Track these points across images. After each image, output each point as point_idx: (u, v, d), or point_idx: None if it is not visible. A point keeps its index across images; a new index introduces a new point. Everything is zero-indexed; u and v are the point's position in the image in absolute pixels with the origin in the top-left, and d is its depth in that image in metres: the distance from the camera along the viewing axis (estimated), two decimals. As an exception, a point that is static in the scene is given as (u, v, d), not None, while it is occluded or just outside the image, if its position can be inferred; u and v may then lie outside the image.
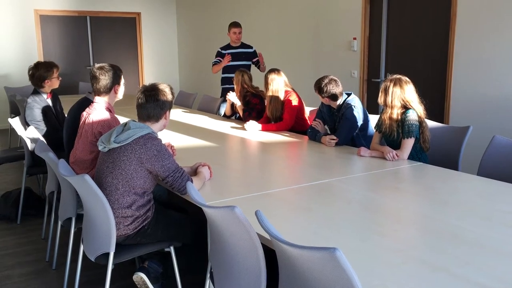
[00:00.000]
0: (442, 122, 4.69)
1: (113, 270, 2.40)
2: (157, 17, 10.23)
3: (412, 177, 2.83)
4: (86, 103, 3.15)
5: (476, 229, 1.94)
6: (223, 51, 5.88)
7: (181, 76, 10.60)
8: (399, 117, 3.16)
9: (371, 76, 5.90)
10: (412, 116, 3.12)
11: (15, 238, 3.87)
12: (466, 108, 4.78)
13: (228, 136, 4.11)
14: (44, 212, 3.88)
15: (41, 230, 3.92)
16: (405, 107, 3.16)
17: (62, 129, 3.48)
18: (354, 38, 6.00)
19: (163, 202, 2.95)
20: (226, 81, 5.89)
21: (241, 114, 4.84)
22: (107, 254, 2.35)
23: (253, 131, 4.22)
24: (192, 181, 2.40)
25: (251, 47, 5.99)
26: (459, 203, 2.29)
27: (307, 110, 4.53)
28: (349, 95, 3.71)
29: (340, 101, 3.68)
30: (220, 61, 5.83)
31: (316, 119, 3.85)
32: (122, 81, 3.10)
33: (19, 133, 3.93)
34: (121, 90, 3.10)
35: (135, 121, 2.45)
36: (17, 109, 6.70)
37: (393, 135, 3.19)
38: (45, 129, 4.03)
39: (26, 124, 4.02)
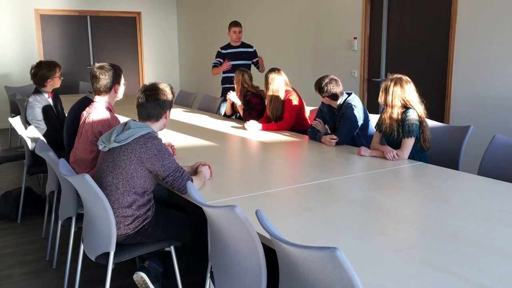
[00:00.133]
0: (442, 122, 4.69)
1: (113, 270, 2.40)
2: (158, 16, 10.23)
3: (412, 176, 2.82)
4: (86, 102, 3.15)
5: (476, 229, 1.94)
6: (223, 51, 5.87)
7: (181, 75, 10.60)
8: (400, 116, 3.16)
9: (371, 75, 5.90)
10: (412, 115, 3.12)
11: (16, 237, 3.87)
12: (466, 107, 4.77)
13: (228, 135, 4.11)
14: (44, 212, 3.88)
15: (41, 230, 3.92)
16: (406, 107, 3.16)
17: (62, 129, 3.48)
18: (355, 38, 5.99)
19: (164, 201, 2.95)
20: (226, 80, 5.89)
21: (241, 114, 4.84)
22: (108, 254, 2.35)
23: (254, 130, 4.22)
24: (192, 181, 2.40)
25: (252, 47, 5.99)
26: (459, 203, 2.29)
27: (308, 109, 4.53)
28: (349, 94, 3.71)
29: (340, 100, 3.68)
30: (220, 62, 5.83)
31: (317, 119, 3.85)
32: (122, 80, 3.10)
33: (19, 133, 3.94)
34: (121, 90, 3.10)
35: (135, 120, 2.45)
36: (17, 109, 6.70)
37: (394, 134, 3.19)
38: (45, 128, 4.03)
39: (26, 123, 4.02)
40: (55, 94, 4.30)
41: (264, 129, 4.23)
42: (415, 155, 3.20)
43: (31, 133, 3.63)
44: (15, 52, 8.92)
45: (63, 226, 3.00)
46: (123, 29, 9.97)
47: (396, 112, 3.16)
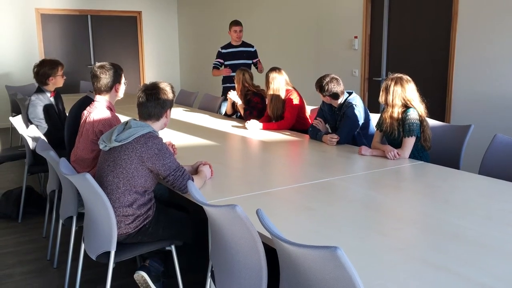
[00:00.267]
0: (443, 121, 4.69)
1: (114, 269, 2.40)
2: (158, 15, 10.23)
3: (413, 176, 2.82)
4: (87, 102, 3.15)
5: (477, 228, 1.94)
6: (223, 51, 5.87)
7: (182, 74, 10.60)
8: (400, 116, 3.16)
9: (372, 74, 5.89)
10: (412, 115, 3.11)
11: (16, 236, 3.87)
12: (467, 106, 4.77)
13: (229, 135, 4.11)
14: (45, 211, 3.89)
15: (42, 229, 3.93)
16: (406, 106, 3.16)
17: (63, 128, 3.48)
18: (355, 37, 5.99)
19: (164, 201, 2.95)
20: (227, 79, 5.89)
21: (242, 113, 4.84)
22: (108, 253, 2.35)
23: (254, 130, 4.22)
24: (193, 180, 2.40)
25: (252, 46, 5.99)
26: (460, 202, 2.29)
27: (308, 109, 4.53)
28: (350, 94, 3.71)
29: (341, 100, 3.68)
30: (220, 63, 5.84)
31: (317, 118, 3.85)
32: (123, 79, 3.10)
33: (20, 132, 3.94)
34: (122, 89, 3.10)
35: (136, 120, 2.45)
36: (18, 108, 6.70)
37: (394, 134, 3.19)
38: (47, 127, 4.03)
39: (28, 121, 4.02)
40: (57, 93, 4.30)
41: (264, 128, 4.23)
42: (416, 154, 3.20)
43: (32, 132, 3.63)
44: (15, 52, 8.93)
45: (64, 225, 3.01)
46: (123, 29, 9.97)
47: (397, 111, 3.16)
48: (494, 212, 2.12)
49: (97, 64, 3.03)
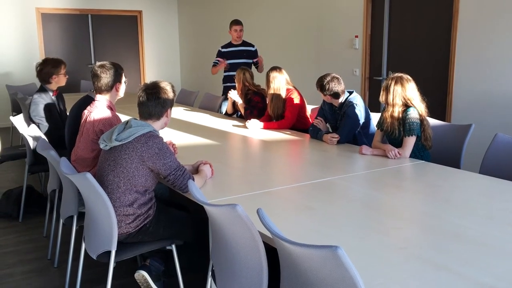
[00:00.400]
0: (444, 120, 4.69)
1: (114, 268, 2.40)
2: (159, 15, 10.23)
3: (414, 175, 2.82)
4: (88, 101, 3.15)
5: (478, 228, 1.93)
6: (223, 50, 5.87)
7: (182, 74, 10.60)
8: (400, 115, 3.16)
9: (373, 74, 5.89)
10: (413, 114, 3.11)
11: (17, 236, 3.87)
12: (468, 106, 4.77)
13: (229, 134, 4.10)
14: (45, 210, 3.89)
15: (43, 228, 3.93)
16: (406, 105, 3.15)
17: (64, 127, 3.48)
18: (356, 36, 5.98)
19: (165, 200, 2.95)
20: (227, 79, 5.89)
21: (242, 112, 4.84)
22: (109, 252, 2.35)
23: (255, 129, 4.22)
24: (193, 179, 2.40)
25: (253, 46, 5.98)
26: (461, 202, 2.29)
27: (309, 108, 4.52)
28: (351, 93, 3.71)
29: (342, 99, 3.68)
30: (219, 62, 5.83)
31: (318, 117, 3.85)
32: (124, 79, 3.09)
33: (21, 131, 3.94)
34: (122, 88, 3.10)
35: (136, 119, 2.45)
36: (18, 107, 6.70)
37: (395, 133, 3.19)
38: (48, 126, 4.03)
39: (30, 119, 4.02)
40: (59, 93, 4.31)
41: (265, 127, 4.23)
42: (417, 154, 3.19)
43: (32, 132, 3.63)
44: (16, 51, 8.93)
45: (65, 224, 3.01)
46: (124, 28, 9.97)
47: (397, 110, 3.16)
48: (495, 212, 2.12)
49: (98, 63, 3.03)
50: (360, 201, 2.31)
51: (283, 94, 4.31)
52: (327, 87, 3.60)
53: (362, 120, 3.63)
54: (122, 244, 2.41)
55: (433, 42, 5.13)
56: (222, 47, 5.92)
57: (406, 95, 3.14)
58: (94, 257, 2.44)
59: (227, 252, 1.93)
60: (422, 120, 3.15)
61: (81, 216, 2.80)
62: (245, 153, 3.57)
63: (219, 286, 2.04)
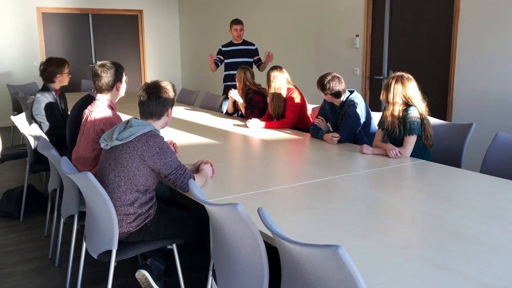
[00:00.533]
0: (445, 119, 4.68)
1: (115, 268, 2.41)
2: (160, 14, 10.23)
3: (414, 174, 2.82)
4: (89, 100, 3.15)
5: (479, 227, 1.93)
6: (224, 49, 5.87)
7: (183, 73, 10.60)
8: (401, 114, 3.15)
9: (373, 73, 5.89)
10: (413, 113, 3.11)
11: (18, 235, 3.88)
12: (469, 105, 4.76)
13: (230, 133, 4.10)
14: (46, 210, 3.89)
15: (44, 228, 3.93)
16: (407, 104, 3.15)
17: (65, 127, 3.48)
18: (357, 35, 5.98)
19: (166, 199, 2.95)
20: (228, 78, 5.89)
21: (243, 112, 4.84)
22: (110, 252, 2.36)
23: (256, 128, 4.22)
24: (194, 179, 2.40)
25: (253, 44, 5.98)
26: (462, 201, 2.29)
27: (310, 107, 4.52)
28: (351, 92, 3.70)
29: (342, 98, 3.67)
30: (220, 60, 5.84)
31: (319, 117, 3.84)
32: (124, 78, 3.09)
33: (21, 131, 3.94)
34: (123, 88, 3.10)
35: (137, 118, 2.45)
36: (19, 107, 6.70)
37: (395, 132, 3.19)
38: (49, 124, 4.03)
39: (32, 118, 4.03)
40: (62, 92, 4.32)
41: (266, 127, 4.23)
42: (417, 153, 3.19)
43: (33, 131, 3.64)
44: (17, 51, 8.93)
45: (65, 224, 3.01)
46: (125, 27, 9.97)
47: (398, 109, 3.15)
48: (496, 211, 2.12)
49: (98, 63, 3.03)
50: (360, 201, 2.31)
51: (284, 94, 4.30)
52: (328, 86, 3.60)
53: (363, 119, 3.63)
54: (123, 243, 2.41)
55: (434, 41, 5.12)
56: (223, 45, 5.92)
57: (406, 94, 3.13)
58: (95, 257, 2.44)
59: (228, 251, 1.93)
60: (422, 119, 3.15)
61: (82, 215, 2.80)
62: (245, 152, 3.57)
63: (220, 285, 2.04)
